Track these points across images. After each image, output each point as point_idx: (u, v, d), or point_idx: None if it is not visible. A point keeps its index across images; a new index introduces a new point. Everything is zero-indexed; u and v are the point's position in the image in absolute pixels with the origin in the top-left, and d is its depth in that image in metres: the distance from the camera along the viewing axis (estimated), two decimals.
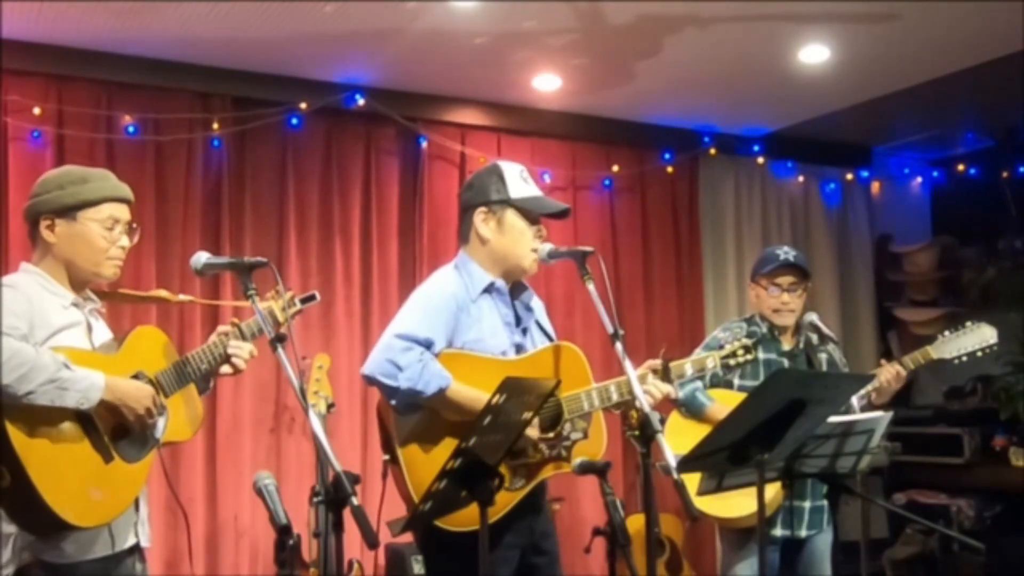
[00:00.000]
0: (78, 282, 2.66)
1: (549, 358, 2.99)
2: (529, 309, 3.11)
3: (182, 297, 3.00)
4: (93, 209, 2.63)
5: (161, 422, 2.60)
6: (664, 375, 2.96)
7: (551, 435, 2.90)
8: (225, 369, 2.76)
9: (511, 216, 2.97)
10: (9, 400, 2.32)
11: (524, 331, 3.06)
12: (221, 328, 2.79)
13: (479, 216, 2.99)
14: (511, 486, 2.82)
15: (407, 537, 4.88)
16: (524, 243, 2.98)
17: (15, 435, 2.33)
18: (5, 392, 2.30)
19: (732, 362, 3.15)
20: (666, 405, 3.81)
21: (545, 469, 2.92)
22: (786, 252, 3.89)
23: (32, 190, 2.68)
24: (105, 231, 2.64)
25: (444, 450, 2.78)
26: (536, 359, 2.98)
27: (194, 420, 2.75)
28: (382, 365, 2.80)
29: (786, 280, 3.84)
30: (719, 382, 3.87)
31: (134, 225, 2.72)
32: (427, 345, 2.83)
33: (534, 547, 2.97)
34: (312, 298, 2.92)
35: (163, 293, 2.94)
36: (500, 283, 3.00)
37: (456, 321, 2.90)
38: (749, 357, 3.15)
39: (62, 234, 2.62)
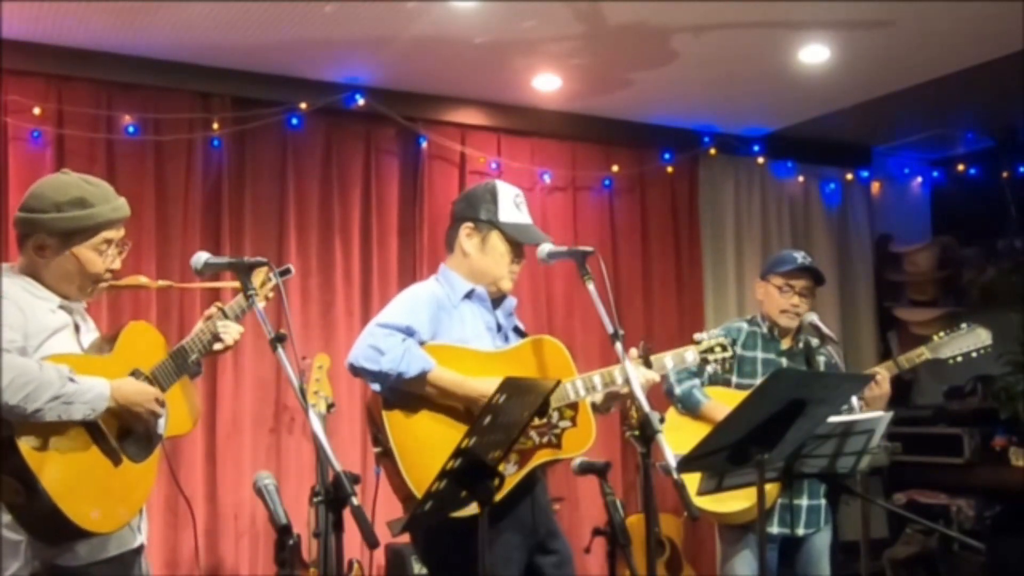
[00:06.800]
0: (62, 296, 2.62)
1: (530, 351, 3.03)
2: (510, 315, 3.16)
3: (161, 283, 2.98)
4: (89, 239, 2.58)
5: (162, 418, 2.60)
6: (645, 365, 3.00)
7: (541, 422, 2.92)
8: (216, 346, 2.74)
9: (495, 238, 3.03)
10: (17, 419, 2.31)
11: (505, 337, 3.11)
12: (206, 313, 2.79)
13: (464, 230, 3.05)
14: (504, 472, 2.84)
15: (407, 537, 4.88)
16: (503, 265, 3.04)
17: (26, 449, 2.33)
18: (12, 412, 2.30)
19: (711, 357, 3.17)
20: (664, 402, 3.83)
21: (538, 455, 2.94)
22: (804, 256, 3.94)
23: (27, 200, 2.60)
24: (97, 256, 2.60)
25: (436, 438, 2.82)
26: (518, 352, 3.02)
27: (193, 411, 2.75)
28: (364, 351, 2.83)
29: (800, 283, 3.88)
30: (718, 380, 3.89)
31: (127, 243, 2.69)
32: (409, 333, 2.87)
33: (540, 546, 2.99)
34: (287, 271, 2.86)
35: (142, 280, 2.90)
36: (480, 289, 3.05)
37: (438, 321, 2.95)
38: (727, 355, 3.17)
39: (52, 258, 2.57)
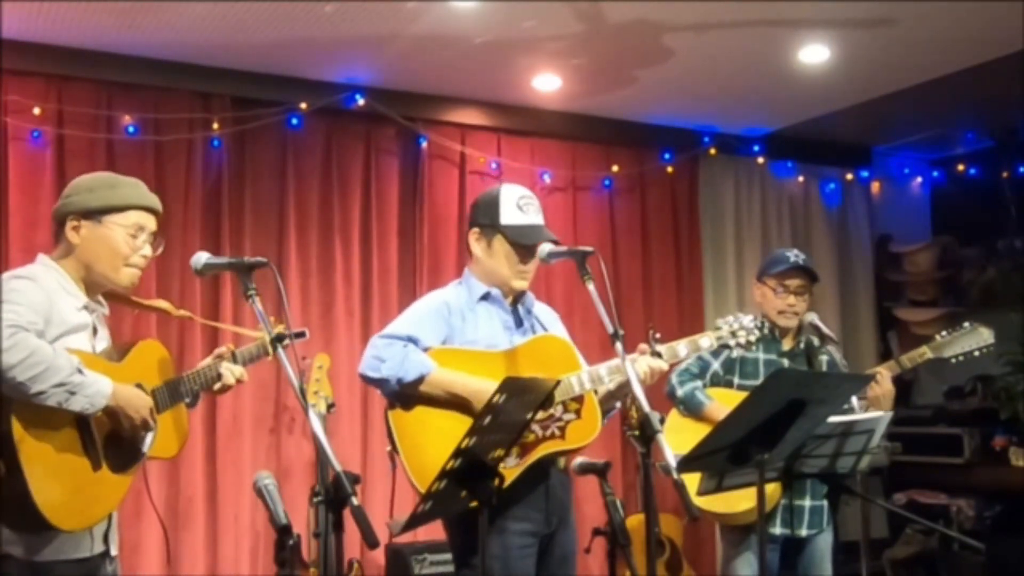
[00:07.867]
0: (93, 286, 2.69)
1: (536, 348, 3.06)
2: (530, 312, 3.22)
3: (182, 312, 3.05)
4: (120, 215, 2.67)
5: (149, 437, 2.64)
6: (654, 355, 3.02)
7: (545, 415, 2.93)
8: (217, 386, 2.84)
9: (499, 241, 3.12)
10: (18, 396, 2.34)
11: (525, 333, 3.15)
12: (217, 351, 2.88)
13: (473, 236, 3.18)
14: (505, 465, 2.85)
15: (407, 537, 4.88)
16: (510, 266, 3.13)
17: (16, 430, 2.36)
18: (17, 387, 2.33)
19: (732, 342, 3.17)
20: (666, 404, 3.83)
21: (540, 447, 2.96)
22: (796, 255, 3.92)
23: (63, 192, 2.73)
24: (129, 237, 2.67)
25: (440, 437, 2.85)
26: (523, 350, 3.05)
27: (180, 437, 2.81)
28: (368, 361, 2.99)
29: (795, 283, 3.87)
30: (719, 381, 3.89)
31: (161, 240, 2.77)
32: (410, 341, 2.98)
33: (550, 537, 3.03)
34: (301, 335, 3.01)
35: (164, 305, 2.99)
36: (495, 291, 3.14)
37: (449, 325, 3.06)
38: (752, 337, 3.17)
39: (86, 236, 2.65)
